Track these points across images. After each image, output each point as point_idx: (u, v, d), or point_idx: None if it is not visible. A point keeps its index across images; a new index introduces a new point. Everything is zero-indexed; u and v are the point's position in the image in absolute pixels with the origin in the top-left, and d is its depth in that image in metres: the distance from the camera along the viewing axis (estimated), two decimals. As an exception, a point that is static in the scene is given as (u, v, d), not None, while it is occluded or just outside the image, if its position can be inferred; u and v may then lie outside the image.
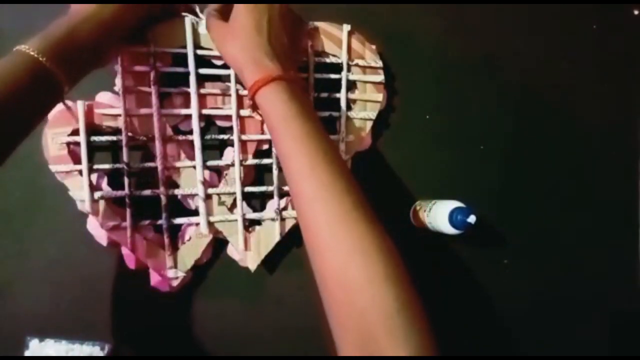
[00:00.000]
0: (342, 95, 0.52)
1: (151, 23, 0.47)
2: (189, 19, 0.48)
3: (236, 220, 0.50)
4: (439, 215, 0.47)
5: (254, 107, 0.41)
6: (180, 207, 0.51)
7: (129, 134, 0.48)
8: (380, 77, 0.52)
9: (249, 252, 0.50)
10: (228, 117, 0.50)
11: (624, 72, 0.62)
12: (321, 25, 0.51)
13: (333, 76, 0.52)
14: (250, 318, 0.54)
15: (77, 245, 0.50)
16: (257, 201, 0.54)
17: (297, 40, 0.49)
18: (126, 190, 0.48)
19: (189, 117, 0.49)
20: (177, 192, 0.49)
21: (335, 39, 0.51)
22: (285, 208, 0.51)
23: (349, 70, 0.52)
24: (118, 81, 0.47)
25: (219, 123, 0.51)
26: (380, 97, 0.53)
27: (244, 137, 0.50)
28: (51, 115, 0.47)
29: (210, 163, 0.50)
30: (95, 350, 0.49)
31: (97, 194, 0.48)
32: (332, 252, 0.34)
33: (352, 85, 0.53)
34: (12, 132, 0.36)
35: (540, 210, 0.60)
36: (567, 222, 0.60)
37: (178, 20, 0.48)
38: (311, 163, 0.36)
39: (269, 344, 0.54)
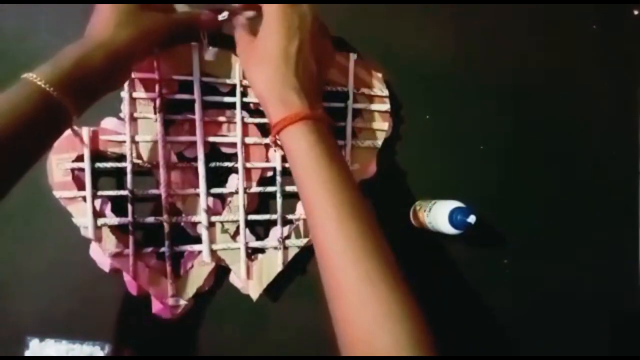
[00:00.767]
0: (347, 124, 0.52)
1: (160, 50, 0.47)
2: (195, 46, 0.48)
3: (239, 248, 0.50)
4: (439, 215, 0.47)
5: (276, 144, 0.39)
6: (183, 234, 0.50)
7: (134, 160, 0.48)
8: (386, 106, 0.52)
9: (251, 280, 0.50)
10: (233, 145, 0.50)
11: (624, 72, 0.62)
12: (328, 53, 0.51)
13: (339, 105, 0.51)
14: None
15: (78, 245, 0.50)
16: (260, 228, 0.53)
17: (325, 63, 0.46)
18: (129, 217, 0.48)
19: (193, 144, 0.49)
20: (180, 219, 0.49)
21: (342, 68, 0.51)
22: (288, 236, 0.51)
23: (354, 99, 0.52)
24: (124, 107, 0.48)
25: (224, 150, 0.51)
26: (386, 125, 0.53)
27: (248, 165, 0.50)
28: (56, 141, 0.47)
29: (214, 190, 0.50)
30: (95, 350, 0.49)
31: (100, 221, 0.47)
32: (359, 315, 0.32)
33: (357, 114, 0.53)
34: (19, 162, 0.35)
35: (540, 210, 0.60)
36: (567, 222, 0.60)
37: (184, 47, 0.48)
38: (339, 217, 0.35)
39: (270, 372, 0.54)
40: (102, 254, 0.48)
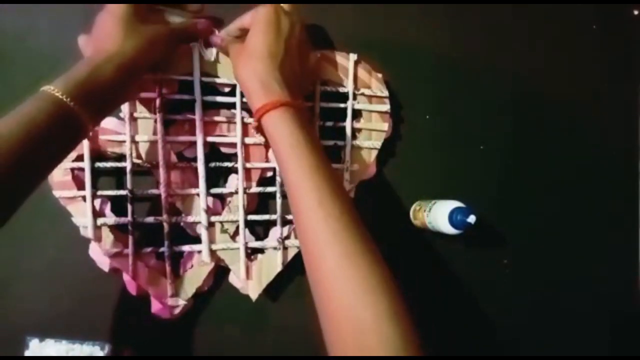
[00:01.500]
0: (347, 124, 0.52)
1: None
2: (196, 46, 0.48)
3: (238, 248, 0.50)
4: (439, 215, 0.47)
5: (259, 130, 0.41)
6: (182, 234, 0.50)
7: (134, 160, 0.48)
8: (386, 107, 0.52)
9: (250, 281, 0.50)
10: (233, 145, 0.50)
11: (624, 72, 0.62)
12: (327, 53, 0.51)
13: (339, 105, 0.51)
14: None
15: (77, 245, 0.49)
16: (260, 228, 0.53)
17: (307, 72, 0.49)
18: (129, 217, 0.48)
19: (193, 144, 0.49)
20: (179, 219, 0.49)
21: (342, 68, 0.51)
22: (288, 237, 0.51)
23: (354, 99, 0.52)
24: (124, 107, 0.48)
25: (224, 150, 0.51)
26: (385, 126, 0.53)
27: (248, 165, 0.50)
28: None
29: (213, 190, 0.50)
30: (95, 350, 0.49)
31: (100, 220, 0.47)
32: (339, 291, 0.33)
33: (357, 114, 0.53)
34: (36, 172, 0.36)
35: (540, 211, 0.60)
36: (567, 222, 0.60)
37: (184, 47, 0.48)
38: (319, 199, 0.36)
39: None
40: (101, 254, 0.48)
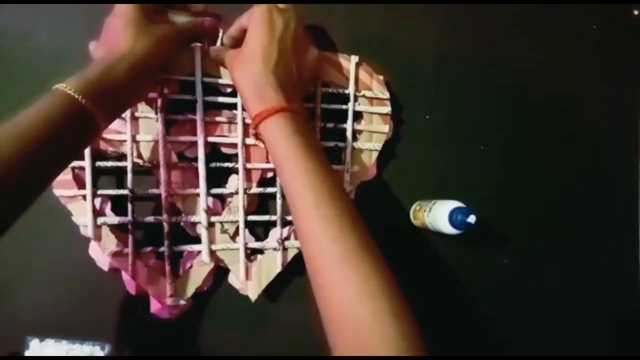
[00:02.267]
0: (348, 126, 0.52)
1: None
2: (198, 47, 0.48)
3: (238, 249, 0.50)
4: (439, 215, 0.47)
5: (257, 137, 0.41)
6: (182, 234, 0.50)
7: (134, 159, 0.48)
8: (387, 109, 0.52)
9: (249, 281, 0.50)
10: (233, 145, 0.50)
11: (624, 72, 0.62)
12: (329, 55, 0.51)
13: (340, 107, 0.52)
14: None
15: (77, 244, 0.49)
16: (260, 229, 0.53)
17: (307, 69, 0.48)
18: (129, 217, 0.48)
19: (194, 144, 0.49)
20: (179, 219, 0.49)
21: (343, 70, 0.51)
22: (287, 238, 0.51)
23: (355, 101, 0.52)
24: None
25: (224, 150, 0.51)
26: (386, 128, 0.53)
27: (248, 166, 0.50)
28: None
29: (214, 191, 0.50)
30: (95, 350, 0.49)
31: (100, 220, 0.47)
32: (340, 292, 0.34)
33: (358, 116, 0.53)
34: (49, 170, 0.36)
35: (540, 211, 0.60)
36: (567, 222, 0.60)
37: (186, 47, 0.48)
38: (316, 201, 0.36)
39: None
40: (101, 253, 0.48)
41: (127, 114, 0.47)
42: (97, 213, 0.48)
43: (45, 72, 0.48)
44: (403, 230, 0.55)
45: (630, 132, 0.62)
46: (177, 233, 0.50)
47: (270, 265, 0.50)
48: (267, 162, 0.51)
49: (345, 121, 0.52)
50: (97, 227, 0.48)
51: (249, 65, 0.41)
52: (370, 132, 0.53)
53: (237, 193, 0.50)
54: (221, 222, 0.50)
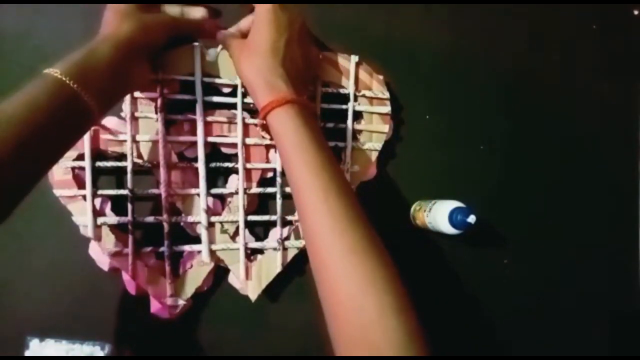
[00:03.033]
0: (348, 126, 0.52)
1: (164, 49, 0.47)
2: (197, 47, 0.48)
3: (238, 249, 0.50)
4: (439, 215, 0.47)
5: (264, 127, 0.41)
6: (182, 234, 0.50)
7: (134, 159, 0.48)
8: (387, 109, 0.52)
9: (249, 281, 0.50)
10: (233, 145, 0.50)
11: (624, 72, 0.62)
12: (329, 55, 0.51)
13: (340, 107, 0.52)
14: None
15: (77, 244, 0.49)
16: (260, 229, 0.53)
17: (311, 66, 0.48)
18: (129, 217, 0.48)
19: (194, 144, 0.49)
20: (179, 219, 0.49)
21: (343, 70, 0.51)
22: (287, 237, 0.51)
23: (355, 100, 0.52)
24: (125, 107, 0.48)
25: (224, 150, 0.51)
26: (386, 128, 0.53)
27: (248, 165, 0.50)
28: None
29: (214, 191, 0.50)
30: (95, 350, 0.49)
31: (100, 220, 0.47)
32: (345, 286, 0.34)
33: (358, 116, 0.53)
34: (40, 157, 0.35)
35: (540, 211, 0.60)
36: (567, 222, 0.60)
37: (186, 47, 0.48)
38: (325, 194, 0.36)
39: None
40: (101, 253, 0.48)
41: (127, 114, 0.47)
42: (97, 213, 0.48)
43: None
44: (403, 230, 0.55)
45: (630, 132, 0.62)
46: (177, 233, 0.50)
47: (270, 265, 0.50)
48: (267, 162, 0.51)
49: (345, 121, 0.52)
50: (97, 227, 0.48)
51: (257, 58, 0.42)
52: (370, 132, 0.53)
53: (237, 193, 0.50)
54: (221, 222, 0.50)
